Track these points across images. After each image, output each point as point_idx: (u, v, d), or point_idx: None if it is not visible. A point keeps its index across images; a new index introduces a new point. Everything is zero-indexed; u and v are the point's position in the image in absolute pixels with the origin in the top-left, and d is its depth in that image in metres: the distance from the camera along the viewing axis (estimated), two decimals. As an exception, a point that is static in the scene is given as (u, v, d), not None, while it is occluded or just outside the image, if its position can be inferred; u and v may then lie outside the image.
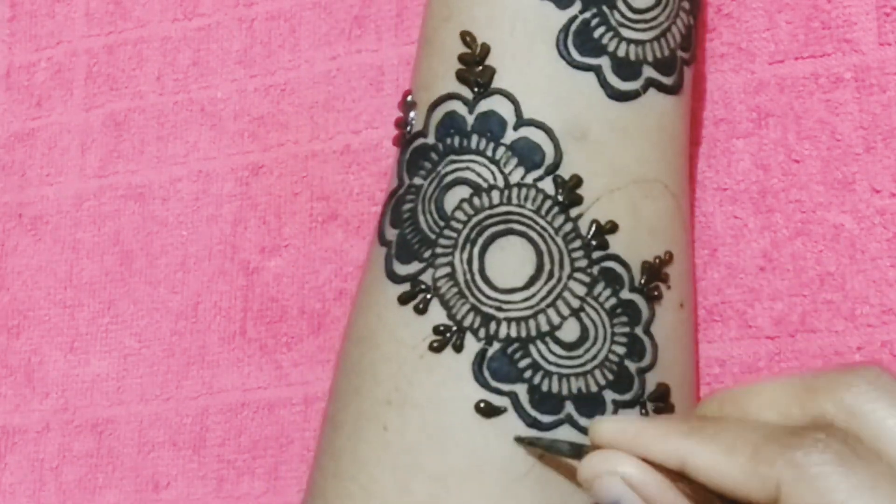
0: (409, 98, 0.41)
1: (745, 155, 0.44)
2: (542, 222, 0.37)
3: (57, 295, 0.52)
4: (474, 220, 0.37)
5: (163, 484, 0.49)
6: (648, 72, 0.39)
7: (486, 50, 0.38)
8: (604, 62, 0.38)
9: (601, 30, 0.38)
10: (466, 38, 0.39)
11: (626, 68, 0.38)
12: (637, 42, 0.39)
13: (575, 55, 0.38)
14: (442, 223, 0.38)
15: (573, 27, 0.38)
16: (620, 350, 0.37)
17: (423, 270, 0.38)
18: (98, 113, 0.54)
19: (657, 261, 0.38)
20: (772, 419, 0.31)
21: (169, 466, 0.49)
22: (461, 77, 0.39)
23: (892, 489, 0.28)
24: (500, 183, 0.37)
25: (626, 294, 0.37)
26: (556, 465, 0.36)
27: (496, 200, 0.37)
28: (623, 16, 0.39)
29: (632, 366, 0.37)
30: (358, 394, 0.38)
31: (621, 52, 0.38)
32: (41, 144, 0.54)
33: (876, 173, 0.42)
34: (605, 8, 0.38)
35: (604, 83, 0.38)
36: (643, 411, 0.37)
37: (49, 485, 0.50)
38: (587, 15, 0.38)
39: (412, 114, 0.40)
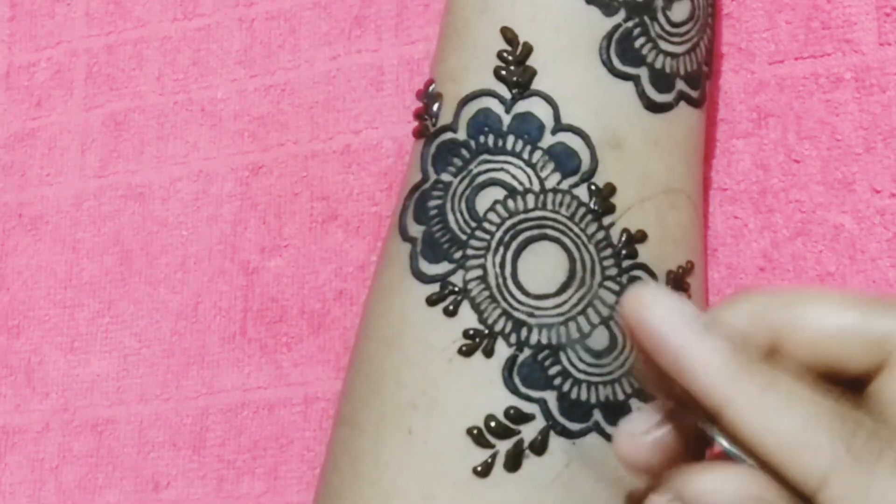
0: (432, 88, 0.40)
1: (745, 155, 0.44)
2: (575, 229, 0.37)
3: (57, 295, 0.52)
4: (508, 223, 0.37)
5: (163, 484, 0.49)
6: (680, 85, 0.39)
7: (528, 49, 0.38)
8: (642, 73, 0.38)
9: (642, 40, 0.38)
10: (508, 34, 0.38)
11: (662, 80, 0.39)
12: (672, 55, 0.39)
13: (616, 64, 0.38)
14: (474, 224, 0.37)
15: (616, 35, 0.38)
16: None
17: (453, 271, 0.37)
18: (98, 113, 0.54)
19: (680, 270, 0.38)
20: (832, 331, 0.30)
21: (169, 466, 0.49)
22: (499, 75, 0.38)
23: None
24: (536, 187, 0.37)
25: None
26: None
27: (531, 205, 0.37)
28: (662, 28, 0.39)
29: None
30: (379, 396, 0.38)
31: (658, 64, 0.39)
32: (41, 144, 0.54)
33: (876, 173, 0.42)
34: (647, 19, 0.38)
35: (641, 94, 0.38)
36: None
37: (49, 485, 0.50)
38: (630, 24, 0.38)
39: (436, 105, 0.40)
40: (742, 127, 0.44)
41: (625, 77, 0.38)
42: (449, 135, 0.39)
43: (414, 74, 0.49)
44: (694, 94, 0.39)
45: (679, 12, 0.39)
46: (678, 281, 0.38)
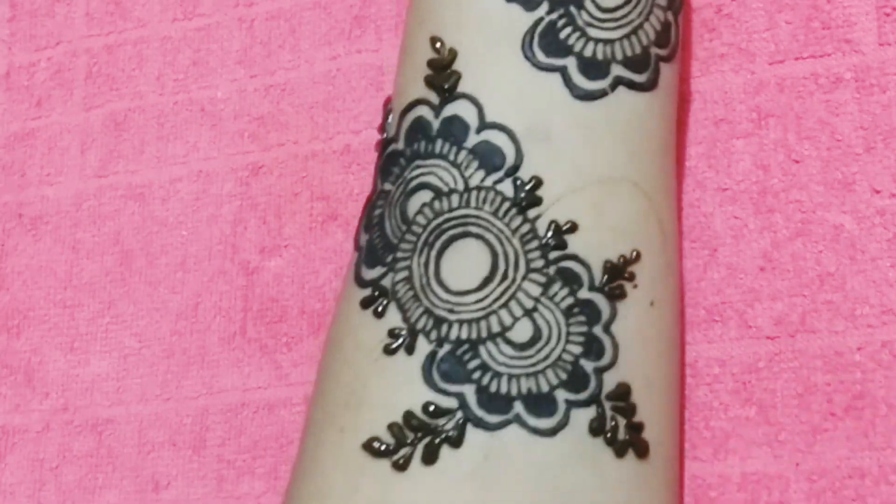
0: (390, 104, 0.41)
1: (744, 155, 0.44)
2: (499, 224, 0.37)
3: (57, 295, 0.52)
4: (433, 223, 0.38)
5: (163, 484, 0.49)
6: (618, 70, 0.39)
7: (453, 55, 0.39)
8: (569, 62, 0.38)
9: (567, 30, 0.38)
10: (436, 43, 0.39)
11: (593, 68, 0.38)
12: (605, 41, 0.39)
13: (540, 57, 0.38)
14: (404, 227, 0.38)
15: (539, 29, 0.38)
16: (576, 350, 0.37)
17: (384, 275, 0.38)
18: (98, 113, 0.54)
19: (622, 260, 0.38)
20: None
21: (169, 466, 0.49)
22: (429, 82, 0.39)
23: None
24: (461, 186, 0.38)
25: (584, 293, 0.37)
26: None
27: (455, 204, 0.38)
28: (591, 15, 0.39)
29: (588, 365, 0.37)
30: (323, 396, 0.39)
31: (588, 52, 0.38)
32: (41, 144, 0.54)
33: (876, 173, 0.42)
34: (572, 8, 0.38)
35: (569, 83, 0.38)
36: (599, 410, 0.37)
37: (49, 485, 0.50)
38: (554, 16, 0.38)
39: (389, 119, 0.41)
40: (742, 127, 0.44)
41: (550, 69, 0.38)
42: (392, 146, 0.40)
43: (414, 74, 0.49)
44: (638, 78, 0.39)
45: None
46: (617, 270, 0.38)
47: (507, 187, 0.37)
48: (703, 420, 0.42)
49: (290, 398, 0.48)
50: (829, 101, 0.43)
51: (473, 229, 0.37)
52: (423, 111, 0.39)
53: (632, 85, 0.39)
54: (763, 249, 0.43)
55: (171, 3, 0.54)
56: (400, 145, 0.39)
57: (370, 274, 0.38)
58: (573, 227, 0.37)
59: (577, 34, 0.38)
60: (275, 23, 0.52)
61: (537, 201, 0.37)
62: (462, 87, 0.38)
